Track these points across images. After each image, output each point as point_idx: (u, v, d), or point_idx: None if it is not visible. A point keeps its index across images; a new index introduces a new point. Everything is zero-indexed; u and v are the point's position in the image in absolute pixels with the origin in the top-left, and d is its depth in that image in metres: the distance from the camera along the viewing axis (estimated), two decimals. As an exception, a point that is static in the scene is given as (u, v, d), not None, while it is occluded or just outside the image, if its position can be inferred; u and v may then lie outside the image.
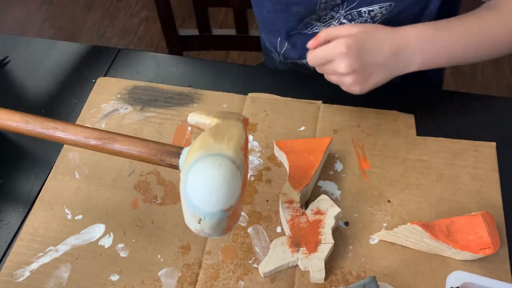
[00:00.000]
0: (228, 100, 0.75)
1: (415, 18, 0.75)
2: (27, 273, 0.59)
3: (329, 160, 0.68)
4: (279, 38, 0.85)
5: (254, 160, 0.68)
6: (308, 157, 0.64)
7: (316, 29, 0.80)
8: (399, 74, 0.66)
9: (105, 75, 0.80)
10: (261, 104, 0.74)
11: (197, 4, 1.12)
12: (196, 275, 0.59)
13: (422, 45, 0.65)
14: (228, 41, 1.20)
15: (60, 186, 0.67)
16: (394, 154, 0.68)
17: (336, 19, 0.76)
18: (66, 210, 0.64)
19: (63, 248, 0.61)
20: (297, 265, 0.58)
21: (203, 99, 0.75)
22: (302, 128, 0.71)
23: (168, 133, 0.72)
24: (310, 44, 0.67)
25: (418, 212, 0.62)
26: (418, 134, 0.70)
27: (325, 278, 0.57)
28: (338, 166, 0.67)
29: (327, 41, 0.65)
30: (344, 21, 0.75)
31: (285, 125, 0.72)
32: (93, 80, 0.79)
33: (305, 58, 0.70)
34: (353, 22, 0.74)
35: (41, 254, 0.61)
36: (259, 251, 0.60)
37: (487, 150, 0.68)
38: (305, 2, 0.73)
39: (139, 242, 0.61)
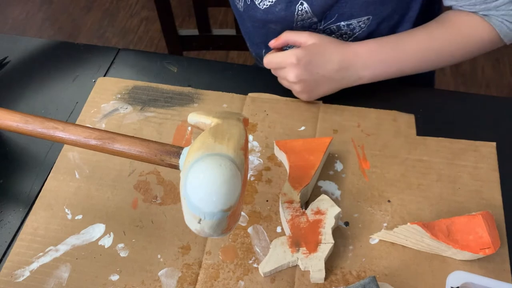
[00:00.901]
0: (228, 100, 0.75)
1: (395, 26, 0.78)
2: (27, 273, 0.59)
3: (329, 160, 0.68)
4: (264, 50, 0.89)
5: (254, 160, 0.68)
6: (308, 157, 0.64)
7: None
8: (347, 86, 0.72)
9: (105, 75, 0.80)
10: (261, 104, 0.74)
11: (197, 4, 1.12)
12: (196, 275, 0.59)
13: (370, 60, 0.70)
14: (228, 41, 1.20)
15: (60, 186, 0.67)
16: (394, 154, 0.68)
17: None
18: (66, 210, 0.64)
19: (63, 248, 0.61)
20: (297, 265, 0.58)
21: (203, 99, 0.75)
22: (302, 128, 0.71)
23: (168, 133, 0.72)
24: (271, 43, 0.73)
25: (418, 212, 0.62)
26: (418, 134, 0.70)
27: (325, 278, 0.57)
28: (338, 166, 0.67)
29: (287, 44, 0.73)
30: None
31: (285, 125, 0.72)
32: (93, 80, 0.79)
33: None
34: (333, 35, 0.76)
35: (41, 254, 0.61)
36: (259, 251, 0.60)
37: (487, 150, 0.68)
38: (282, 20, 0.75)
39: (139, 242, 0.61)
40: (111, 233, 0.62)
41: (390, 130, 0.70)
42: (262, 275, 0.58)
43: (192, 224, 0.43)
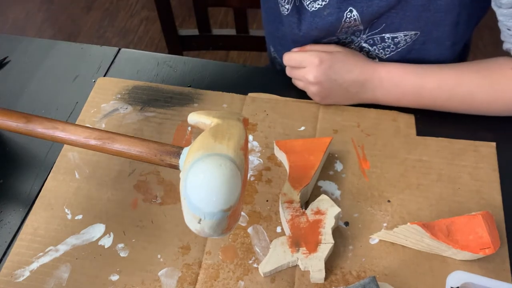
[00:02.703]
0: (228, 100, 0.75)
1: (441, 45, 0.73)
2: (27, 273, 0.59)
3: (329, 160, 0.68)
4: None
5: (254, 160, 0.68)
6: (308, 157, 0.64)
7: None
8: (360, 102, 0.72)
9: (105, 75, 0.80)
10: (261, 104, 0.74)
11: (197, 4, 1.12)
12: (196, 275, 0.59)
13: (388, 84, 0.69)
14: (228, 41, 1.20)
15: (60, 186, 0.67)
16: (394, 154, 0.68)
17: (356, 43, 0.75)
18: (66, 210, 0.64)
19: (63, 248, 0.61)
20: (297, 265, 0.58)
21: (203, 99, 0.75)
22: (302, 128, 0.71)
23: (168, 133, 0.72)
24: (294, 50, 0.74)
25: (418, 212, 0.62)
26: (418, 134, 0.70)
27: (325, 278, 0.57)
28: (338, 166, 0.67)
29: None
30: (364, 45, 0.74)
31: (285, 125, 0.72)
32: (93, 80, 0.79)
33: None
34: (374, 47, 0.74)
35: (41, 254, 0.61)
36: (259, 251, 0.60)
37: (487, 150, 0.68)
38: (327, 26, 0.72)
39: (139, 242, 0.61)
40: (111, 233, 0.62)
41: (390, 130, 0.70)
42: (262, 275, 0.58)
43: (192, 224, 0.43)
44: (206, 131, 0.47)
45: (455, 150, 0.68)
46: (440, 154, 0.68)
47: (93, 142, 0.50)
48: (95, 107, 0.75)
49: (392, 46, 0.73)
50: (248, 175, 0.65)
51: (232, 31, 1.18)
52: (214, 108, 0.74)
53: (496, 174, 0.65)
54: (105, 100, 0.76)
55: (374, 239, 0.61)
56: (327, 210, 0.60)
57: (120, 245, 0.61)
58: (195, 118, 0.52)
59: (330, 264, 0.59)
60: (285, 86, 0.76)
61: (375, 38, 0.73)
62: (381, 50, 0.74)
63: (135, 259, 0.60)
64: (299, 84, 0.73)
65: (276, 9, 0.78)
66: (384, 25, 0.70)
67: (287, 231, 0.60)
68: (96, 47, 0.85)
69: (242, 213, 0.63)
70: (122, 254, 0.61)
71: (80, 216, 0.64)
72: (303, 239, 0.58)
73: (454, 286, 0.51)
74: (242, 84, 0.77)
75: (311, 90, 0.71)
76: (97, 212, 0.64)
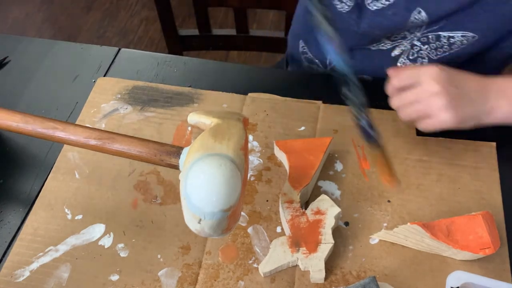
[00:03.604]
0: (228, 100, 0.75)
1: (496, 54, 0.69)
2: (27, 273, 0.59)
3: (329, 160, 0.68)
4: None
5: (254, 160, 0.68)
6: (308, 157, 0.64)
7: (383, 46, 0.76)
8: (486, 121, 0.62)
9: (105, 75, 0.80)
10: (261, 104, 0.74)
11: (197, 4, 1.12)
12: (196, 275, 0.59)
13: (510, 90, 0.61)
14: (228, 41, 1.20)
15: (60, 186, 0.67)
16: (394, 154, 0.68)
17: (408, 40, 0.71)
18: (66, 210, 0.64)
19: (63, 248, 0.61)
20: (297, 265, 0.58)
21: (203, 99, 0.75)
22: (302, 128, 0.71)
23: (168, 133, 0.72)
24: (391, 71, 0.64)
25: (418, 212, 0.62)
26: (418, 134, 0.70)
27: (325, 278, 0.57)
28: (338, 166, 0.67)
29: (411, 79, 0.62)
30: (416, 43, 0.71)
31: (285, 125, 0.72)
32: (93, 80, 0.79)
33: (363, 72, 0.70)
34: (426, 46, 0.70)
35: (41, 254, 0.61)
36: (259, 251, 0.60)
37: (487, 150, 0.68)
38: (390, 26, 0.67)
39: (139, 242, 0.61)
40: (111, 233, 0.62)
41: (390, 130, 0.70)
42: (262, 275, 0.58)
43: (192, 224, 0.43)
44: (206, 131, 0.47)
45: (455, 150, 0.68)
46: (440, 154, 0.68)
47: (93, 142, 0.50)
48: (95, 107, 0.75)
49: (445, 47, 0.69)
50: (248, 175, 0.65)
51: (232, 31, 1.18)
52: (214, 108, 0.74)
53: (496, 174, 0.65)
54: (105, 100, 0.76)
55: (374, 239, 0.61)
56: (327, 210, 0.60)
57: (120, 245, 0.61)
58: (195, 118, 0.52)
59: (330, 264, 0.59)
60: (285, 86, 0.76)
61: (429, 36, 0.69)
62: (432, 50, 0.71)
63: (135, 259, 0.60)
64: (416, 109, 0.61)
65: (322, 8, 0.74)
66: (443, 22, 0.66)
67: (287, 231, 0.60)
68: (96, 47, 0.85)
69: (242, 213, 0.63)
70: (122, 254, 0.60)
71: (80, 216, 0.64)
72: (303, 239, 0.58)
73: (454, 286, 0.51)
74: (242, 84, 0.77)
75: (437, 104, 0.59)
76: (97, 212, 0.64)
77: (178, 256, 0.60)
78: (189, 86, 0.78)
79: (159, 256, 0.60)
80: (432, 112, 0.59)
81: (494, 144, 0.68)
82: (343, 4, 0.71)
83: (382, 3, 0.67)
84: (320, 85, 0.76)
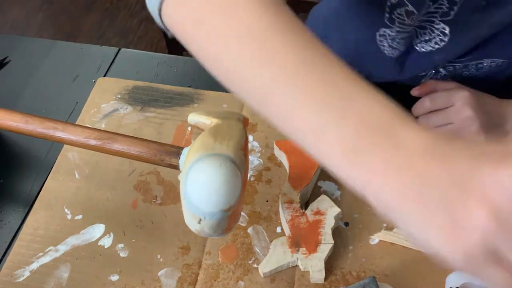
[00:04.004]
0: (228, 100, 0.75)
1: None
2: (27, 273, 0.59)
3: (329, 160, 0.68)
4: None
5: (254, 160, 0.68)
6: (308, 157, 0.64)
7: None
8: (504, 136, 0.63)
9: (105, 75, 0.80)
10: (261, 104, 0.74)
11: (197, 4, 1.12)
12: (196, 275, 0.59)
13: None
14: (228, 41, 1.20)
15: (60, 186, 0.67)
16: (394, 154, 0.68)
17: (437, 74, 0.69)
18: (66, 210, 0.64)
19: (63, 248, 0.61)
20: (297, 265, 0.58)
21: (203, 99, 0.75)
22: (302, 128, 0.71)
23: (168, 133, 0.72)
24: (415, 90, 0.65)
25: (418, 212, 0.62)
26: (418, 134, 0.70)
27: (325, 278, 0.57)
28: (338, 166, 0.67)
29: (434, 90, 0.64)
30: (441, 70, 0.69)
31: (285, 125, 0.72)
32: (93, 80, 0.79)
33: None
34: (451, 71, 0.68)
35: (41, 254, 0.61)
36: (259, 251, 0.60)
37: (487, 150, 0.67)
38: (428, 68, 0.66)
39: (139, 242, 0.61)
40: (111, 233, 0.62)
41: (390, 130, 0.70)
42: (262, 275, 0.58)
43: (192, 224, 0.43)
44: (206, 131, 0.47)
45: (455, 150, 0.68)
46: (440, 154, 0.67)
47: (93, 142, 0.50)
48: (95, 107, 0.75)
49: (472, 70, 0.68)
50: (248, 175, 0.65)
51: (232, 31, 1.18)
52: (214, 108, 0.74)
53: (496, 174, 0.65)
54: (105, 100, 0.76)
55: (374, 239, 0.61)
56: (327, 210, 0.60)
57: (120, 245, 0.61)
58: (195, 118, 0.52)
59: (330, 264, 0.59)
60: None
61: (457, 66, 0.67)
62: (458, 75, 0.69)
63: (135, 259, 0.60)
64: (448, 129, 0.62)
65: (369, 45, 0.70)
66: (472, 54, 0.64)
67: (287, 231, 0.60)
68: (96, 47, 0.85)
69: (242, 213, 0.63)
70: (122, 254, 0.60)
71: (80, 216, 0.64)
72: (303, 239, 0.58)
73: (454, 286, 0.51)
74: (242, 84, 0.77)
75: (470, 128, 0.60)
76: (97, 212, 0.64)
77: (178, 256, 0.60)
78: (189, 86, 0.78)
79: (159, 256, 0.60)
80: (466, 131, 0.61)
81: (494, 144, 0.68)
82: (395, 49, 0.68)
83: (431, 46, 0.64)
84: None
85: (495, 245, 0.26)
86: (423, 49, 0.65)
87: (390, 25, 0.63)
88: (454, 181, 0.27)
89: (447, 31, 0.61)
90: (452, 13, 0.58)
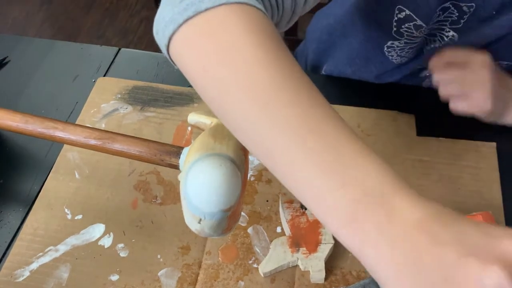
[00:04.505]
0: (228, 100, 0.75)
1: None
2: (27, 273, 0.59)
3: (329, 160, 0.68)
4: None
5: (254, 160, 0.68)
6: (308, 157, 0.64)
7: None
8: (508, 115, 0.64)
9: (105, 75, 0.80)
10: (261, 104, 0.74)
11: (197, 4, 1.12)
12: (196, 275, 0.59)
13: None
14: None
15: (60, 186, 0.67)
16: (394, 154, 0.68)
17: None
18: (66, 210, 0.64)
19: (63, 248, 0.61)
20: (297, 265, 0.58)
21: (203, 99, 0.75)
22: (302, 128, 0.71)
23: (168, 133, 0.72)
24: (432, 61, 0.64)
25: (418, 212, 0.62)
26: (418, 134, 0.70)
27: (325, 278, 0.57)
28: (338, 166, 0.67)
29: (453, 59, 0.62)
30: None
31: (285, 125, 0.72)
32: (93, 80, 0.79)
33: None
34: None
35: (41, 254, 0.60)
36: (259, 251, 0.60)
37: (487, 150, 0.68)
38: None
39: (139, 242, 0.61)
40: (111, 233, 0.62)
41: (390, 130, 0.70)
42: (262, 275, 0.58)
43: (192, 224, 0.43)
44: (206, 131, 0.47)
45: (455, 150, 0.68)
46: (441, 154, 0.67)
47: (93, 142, 0.50)
48: (95, 107, 0.75)
49: None
50: (248, 175, 0.65)
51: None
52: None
53: (496, 174, 0.65)
54: (105, 100, 0.76)
55: (374, 239, 0.60)
56: (327, 210, 0.60)
57: (120, 245, 0.61)
58: (195, 118, 0.52)
59: (330, 264, 0.59)
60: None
61: None
62: None
63: (135, 259, 0.60)
64: (459, 87, 0.62)
65: (374, 47, 0.70)
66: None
67: (287, 231, 0.59)
68: (96, 47, 0.85)
69: (242, 213, 0.63)
70: (122, 254, 0.60)
71: (80, 216, 0.64)
72: (303, 239, 0.58)
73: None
74: (242, 84, 0.77)
75: (482, 90, 0.60)
76: (97, 212, 0.64)
77: (178, 256, 0.60)
78: (189, 86, 0.77)
79: (159, 256, 0.60)
80: (472, 95, 0.60)
81: (494, 144, 0.68)
82: (403, 58, 0.68)
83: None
84: (321, 86, 0.76)
85: None
86: (430, 54, 0.66)
87: (399, 38, 0.63)
88: (443, 271, 0.28)
89: (456, 38, 0.61)
90: (462, 21, 0.58)
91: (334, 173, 0.33)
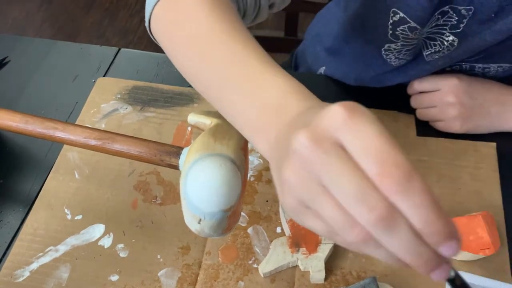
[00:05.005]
0: (228, 100, 0.75)
1: None
2: (27, 273, 0.59)
3: (329, 160, 0.68)
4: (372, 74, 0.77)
5: (254, 160, 0.68)
6: (308, 157, 0.64)
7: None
8: (499, 128, 0.68)
9: (105, 75, 0.80)
10: (261, 104, 0.74)
11: (197, 4, 1.12)
12: (196, 276, 0.59)
13: None
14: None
15: (60, 186, 0.67)
16: (394, 154, 0.68)
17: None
18: (66, 210, 0.64)
19: (63, 248, 0.61)
20: (297, 265, 0.58)
21: (203, 99, 0.75)
22: (302, 128, 0.71)
23: (168, 133, 0.72)
24: (414, 84, 0.70)
25: (418, 212, 0.62)
26: (418, 134, 0.70)
27: (325, 279, 0.57)
28: (338, 166, 0.67)
29: (436, 87, 0.68)
30: (448, 69, 0.69)
31: (285, 125, 0.72)
32: (93, 80, 0.79)
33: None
34: (457, 71, 0.70)
35: (41, 254, 0.60)
36: (259, 251, 0.60)
37: (487, 150, 0.68)
38: (431, 72, 0.68)
39: (139, 242, 0.61)
40: (111, 233, 0.62)
41: (390, 130, 0.69)
42: (262, 275, 0.58)
43: (192, 224, 0.43)
44: (206, 131, 0.47)
45: (455, 150, 0.68)
46: (440, 155, 0.67)
47: (93, 142, 0.50)
48: (95, 107, 0.75)
49: (479, 74, 0.69)
50: (248, 175, 0.65)
51: (232, 31, 1.18)
52: (214, 108, 0.74)
53: (496, 175, 0.65)
54: (105, 100, 0.76)
55: (374, 239, 0.61)
56: (327, 210, 0.60)
57: (120, 245, 0.61)
58: (195, 118, 0.52)
59: (330, 264, 0.59)
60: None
61: (463, 66, 0.68)
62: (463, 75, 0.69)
63: (135, 259, 0.60)
64: (431, 112, 0.68)
65: (371, 49, 0.71)
66: (479, 56, 0.65)
67: (287, 231, 0.59)
68: (96, 47, 0.85)
69: (242, 213, 0.63)
70: (122, 254, 0.60)
71: (80, 216, 0.64)
72: (303, 239, 0.58)
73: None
74: (242, 84, 0.77)
75: (450, 113, 0.66)
76: (97, 212, 0.64)
77: (178, 257, 0.60)
78: (189, 86, 0.78)
79: (159, 256, 0.60)
80: (444, 118, 0.67)
81: (494, 144, 0.68)
82: (402, 60, 0.69)
83: (438, 55, 0.65)
84: (322, 86, 0.76)
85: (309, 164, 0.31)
86: (430, 58, 0.66)
87: (395, 40, 0.64)
88: (287, 142, 0.34)
89: (455, 42, 0.62)
90: (461, 25, 0.59)
91: (245, 88, 0.42)
